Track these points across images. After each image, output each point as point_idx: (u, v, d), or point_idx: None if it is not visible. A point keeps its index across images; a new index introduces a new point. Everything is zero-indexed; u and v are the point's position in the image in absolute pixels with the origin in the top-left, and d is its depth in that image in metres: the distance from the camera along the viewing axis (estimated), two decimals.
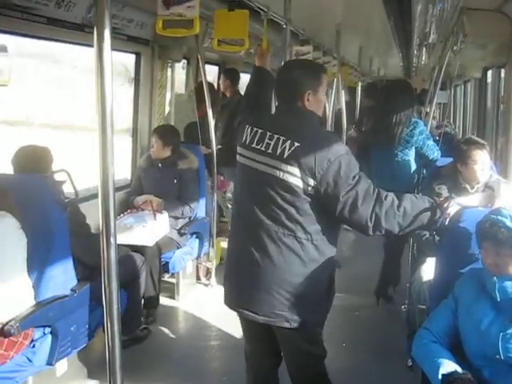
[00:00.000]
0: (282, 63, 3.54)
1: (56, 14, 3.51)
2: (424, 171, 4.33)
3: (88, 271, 3.16)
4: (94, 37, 1.41)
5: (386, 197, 2.21)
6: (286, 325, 2.31)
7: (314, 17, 5.26)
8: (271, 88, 2.59)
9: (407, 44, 7.57)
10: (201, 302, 4.50)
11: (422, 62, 9.97)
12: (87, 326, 3.03)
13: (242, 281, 2.36)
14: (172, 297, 4.51)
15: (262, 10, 3.64)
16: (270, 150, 2.23)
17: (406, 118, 4.26)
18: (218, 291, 4.64)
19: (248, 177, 2.35)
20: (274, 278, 2.26)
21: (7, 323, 2.57)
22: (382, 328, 4.13)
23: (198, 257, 4.73)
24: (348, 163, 2.19)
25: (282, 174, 2.19)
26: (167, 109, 5.36)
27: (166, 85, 5.18)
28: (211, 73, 6.57)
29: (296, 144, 2.18)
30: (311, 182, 2.17)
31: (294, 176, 2.18)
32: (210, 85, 5.27)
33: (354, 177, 2.19)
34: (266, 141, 2.24)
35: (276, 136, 2.23)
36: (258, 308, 2.32)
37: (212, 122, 4.79)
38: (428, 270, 3.17)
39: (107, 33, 1.41)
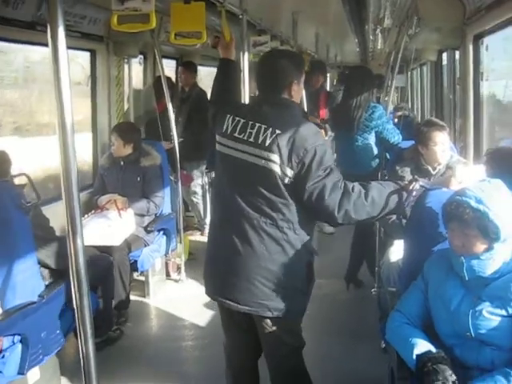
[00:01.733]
0: (242, 54, 3.53)
1: (4, 12, 3.40)
2: (387, 155, 4.38)
3: (55, 275, 3.10)
4: (48, 35, 1.37)
5: (353, 188, 2.24)
6: (268, 314, 2.33)
7: (270, 6, 5.26)
8: (239, 78, 2.64)
9: (363, 30, 7.65)
10: (172, 299, 4.48)
11: (378, 47, 10.09)
12: (58, 332, 2.98)
13: (223, 270, 2.37)
14: (143, 295, 4.47)
15: (217, 1, 3.60)
16: (251, 139, 2.24)
17: (364, 103, 4.30)
18: (188, 286, 4.65)
19: (229, 165, 2.36)
20: (256, 266, 2.28)
21: None
22: (354, 312, 4.18)
23: (167, 253, 4.69)
24: (323, 154, 2.21)
25: (263, 161, 2.21)
26: (126, 105, 5.28)
27: (123, 81, 5.11)
28: (169, 67, 6.51)
29: (277, 131, 2.20)
30: (288, 170, 2.20)
31: (274, 163, 2.20)
32: (169, 79, 5.21)
33: (326, 169, 2.21)
34: (248, 130, 2.25)
35: (258, 125, 2.24)
36: (239, 297, 2.33)
37: (172, 117, 4.74)
38: (396, 252, 3.22)
39: (61, 31, 1.38)
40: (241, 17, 3.65)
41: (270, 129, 2.22)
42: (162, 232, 4.49)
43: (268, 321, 2.36)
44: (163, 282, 4.72)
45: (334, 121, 4.73)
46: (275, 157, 2.19)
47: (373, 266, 4.55)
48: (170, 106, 4.64)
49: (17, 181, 3.10)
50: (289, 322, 2.40)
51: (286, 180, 2.21)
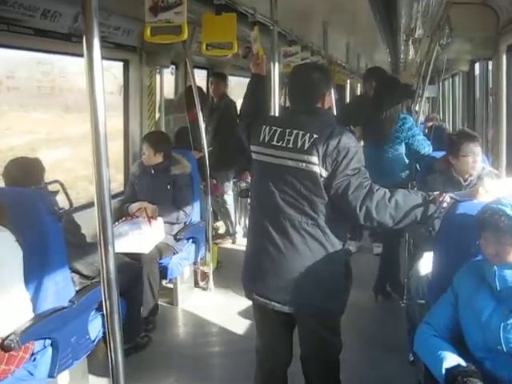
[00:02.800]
0: (272, 65, 3.55)
1: (42, 24, 3.50)
2: (417, 166, 4.34)
3: (85, 281, 3.15)
4: (84, 46, 1.40)
5: (377, 189, 2.33)
6: (311, 313, 2.43)
7: (301, 16, 5.28)
8: (268, 92, 2.84)
9: (394, 40, 7.61)
10: (200, 307, 4.49)
11: (410, 57, 10.00)
12: (88, 337, 3.02)
13: (266, 271, 2.45)
14: (171, 303, 4.50)
15: (248, 12, 3.64)
16: (290, 145, 2.38)
17: (394, 114, 4.27)
18: (216, 295, 4.66)
19: (269, 172, 2.46)
20: (299, 266, 2.38)
21: (7, 337, 2.56)
22: (382, 324, 4.14)
23: (195, 261, 4.72)
24: (353, 156, 2.33)
25: (303, 164, 2.34)
26: (157, 115, 5.35)
27: (155, 91, 5.18)
28: (200, 77, 6.58)
29: (314, 136, 2.34)
30: (324, 171, 2.33)
31: (314, 165, 2.32)
32: (200, 89, 5.26)
33: (355, 169, 2.33)
34: (286, 137, 2.39)
35: (295, 131, 2.38)
36: (282, 297, 2.41)
37: (203, 126, 4.79)
38: (425, 264, 3.18)
39: (96, 42, 1.41)
40: (271, 28, 3.68)
41: (308, 134, 2.35)
42: (191, 240, 4.52)
43: (311, 320, 2.46)
44: (191, 289, 4.75)
45: (364, 132, 4.70)
46: (314, 158, 2.32)
47: (396, 280, 4.51)
48: (200, 116, 4.69)
49: (50, 188, 3.17)
50: (331, 321, 2.51)
51: (323, 180, 2.33)
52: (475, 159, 3.34)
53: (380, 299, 4.54)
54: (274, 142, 2.42)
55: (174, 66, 5.74)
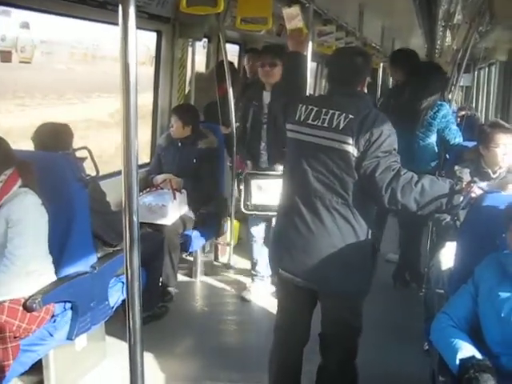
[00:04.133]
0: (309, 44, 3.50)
1: None
2: (447, 155, 4.27)
3: (107, 248, 3.20)
4: (119, 15, 1.39)
5: (405, 173, 2.34)
6: (336, 291, 2.47)
7: None
8: (306, 70, 2.90)
9: (431, 25, 7.45)
10: (218, 281, 4.53)
11: (446, 44, 9.80)
12: (107, 303, 3.08)
13: (294, 247, 2.49)
14: (190, 275, 4.55)
15: None
16: (325, 124, 2.41)
17: (431, 100, 4.20)
18: (235, 270, 4.67)
19: (303, 150, 2.50)
20: (327, 244, 2.42)
21: (30, 298, 2.62)
22: (399, 311, 4.12)
23: (217, 236, 4.75)
24: (386, 138, 2.35)
25: (337, 144, 2.37)
26: (187, 88, 5.34)
27: (186, 64, 5.16)
28: (231, 52, 6.52)
29: (350, 116, 2.37)
30: (356, 151, 2.35)
31: (348, 144, 2.35)
32: (231, 64, 5.23)
33: (385, 151, 2.34)
34: (322, 116, 2.42)
35: (331, 111, 2.41)
36: (308, 273, 2.46)
37: (232, 102, 4.76)
38: (447, 254, 3.15)
39: (132, 10, 1.39)
40: (307, 5, 3.63)
41: (344, 114, 2.38)
42: (213, 214, 4.55)
43: (335, 298, 2.50)
44: (211, 264, 4.79)
45: (396, 116, 4.61)
46: (349, 138, 2.35)
47: (416, 268, 4.48)
48: (230, 91, 4.66)
49: (78, 154, 3.20)
50: (354, 300, 2.54)
51: (354, 160, 2.35)
52: (506, 151, 3.27)
53: (398, 286, 4.52)
54: (310, 121, 2.46)
55: (206, 40, 5.71)
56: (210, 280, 4.53)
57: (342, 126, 2.37)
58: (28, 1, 3.21)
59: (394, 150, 2.39)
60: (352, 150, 2.35)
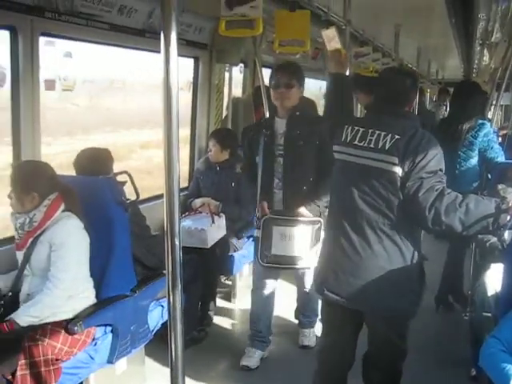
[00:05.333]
0: None
1: (118, 20, 3.61)
2: (488, 175, 4.18)
3: (147, 272, 3.21)
4: (162, 42, 1.42)
5: (449, 193, 2.30)
6: (382, 313, 2.46)
7: (373, 18, 5.20)
8: (351, 91, 2.91)
9: (468, 44, 7.36)
10: None
11: (484, 63, 9.67)
12: (146, 326, 3.09)
13: (340, 268, 2.49)
14: (228, 299, 4.53)
15: (322, 10, 3.61)
16: (372, 145, 2.42)
17: (472, 118, 4.14)
18: None
19: (350, 171, 2.51)
20: (374, 266, 2.41)
21: (71, 321, 2.65)
22: (442, 336, 4.02)
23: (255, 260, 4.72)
24: (431, 159, 2.33)
25: (384, 164, 2.37)
26: (225, 112, 5.39)
27: (223, 88, 5.22)
28: (268, 76, 6.56)
29: (397, 137, 2.37)
30: (401, 171, 2.34)
31: (394, 165, 2.35)
32: (268, 88, 5.26)
33: (430, 172, 2.32)
34: (369, 137, 2.44)
35: (377, 132, 2.42)
36: (354, 295, 2.44)
37: None
38: (492, 276, 3.06)
39: (174, 37, 1.42)
40: (344, 27, 3.64)
41: (390, 135, 2.38)
42: (251, 238, 4.52)
43: (381, 320, 2.49)
44: (249, 288, 4.75)
45: (437, 136, 4.56)
46: (395, 159, 2.35)
47: (460, 291, 4.38)
48: (267, 115, 4.68)
49: (118, 178, 3.25)
50: (400, 323, 2.54)
51: (400, 180, 2.34)
52: None
53: (441, 310, 4.41)
54: (356, 142, 2.47)
55: (242, 65, 5.78)
56: (248, 305, 4.49)
57: (388, 146, 2.37)
58: (71, 31, 3.31)
59: (441, 170, 2.37)
60: (398, 170, 2.34)
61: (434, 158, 2.34)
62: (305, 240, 3.35)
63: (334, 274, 2.52)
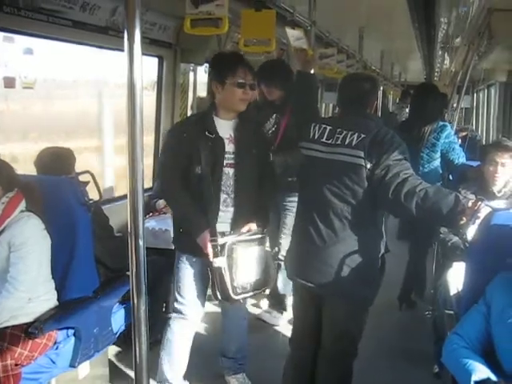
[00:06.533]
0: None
1: (81, 17, 3.54)
2: (450, 176, 4.27)
3: (110, 274, 3.16)
4: (125, 40, 1.40)
5: (412, 179, 2.44)
6: (341, 296, 2.58)
7: (338, 19, 5.24)
8: (317, 91, 3.05)
9: (430, 48, 7.52)
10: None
11: (445, 66, 9.88)
12: (110, 329, 3.04)
13: (307, 254, 2.65)
14: None
15: (287, 11, 3.62)
16: (339, 142, 2.57)
17: (432, 120, 4.23)
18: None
19: (318, 166, 2.66)
20: (337, 252, 2.56)
21: (31, 324, 2.59)
22: (405, 334, 4.08)
23: None
24: (396, 147, 2.51)
25: (350, 158, 2.52)
26: (189, 112, 5.36)
27: (188, 88, 5.19)
28: None
29: (362, 135, 2.53)
30: (368, 163, 2.49)
31: (359, 158, 2.50)
32: None
33: (396, 160, 2.48)
34: (336, 135, 2.59)
35: (345, 131, 2.58)
36: (318, 279, 2.60)
37: None
38: (454, 275, 3.12)
39: (138, 35, 1.41)
40: (309, 28, 3.66)
41: (356, 133, 2.54)
42: None
43: (341, 306, 2.60)
44: None
45: (400, 137, 4.64)
46: (360, 153, 2.50)
47: (422, 288, 4.45)
48: None
49: (80, 178, 3.19)
50: (358, 310, 2.65)
51: (367, 171, 2.49)
52: (500, 169, 3.28)
53: (404, 308, 4.48)
54: (324, 139, 2.63)
55: (207, 64, 5.75)
56: (217, 306, 4.46)
57: (354, 143, 2.53)
58: (32, 27, 3.23)
59: (405, 159, 2.52)
60: (364, 162, 2.49)
61: (399, 149, 2.50)
62: (256, 260, 2.95)
63: (301, 260, 2.69)
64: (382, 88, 9.81)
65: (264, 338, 3.97)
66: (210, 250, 2.76)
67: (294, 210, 3.66)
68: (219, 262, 2.77)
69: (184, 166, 2.82)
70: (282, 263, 3.79)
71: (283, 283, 4.04)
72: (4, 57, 3.05)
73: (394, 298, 4.50)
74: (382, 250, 2.64)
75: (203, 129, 2.83)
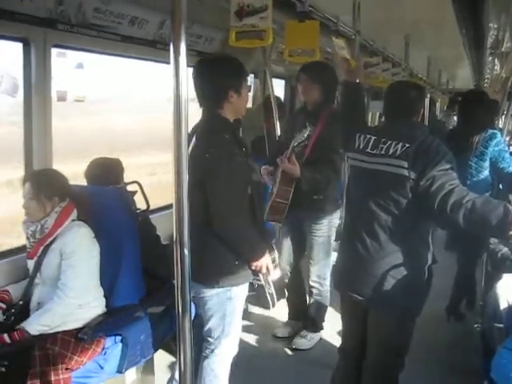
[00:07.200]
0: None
1: (129, 31, 3.64)
2: (500, 185, 4.16)
3: (156, 282, 3.21)
4: (171, 53, 1.44)
5: (459, 189, 2.37)
6: (390, 312, 2.55)
7: (383, 28, 5.20)
8: (363, 99, 3.03)
9: (479, 54, 7.35)
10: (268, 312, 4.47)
11: (495, 72, 9.65)
12: (155, 336, 3.08)
13: (353, 265, 2.64)
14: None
15: (331, 21, 3.62)
16: (383, 152, 2.55)
17: (481, 128, 4.13)
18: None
19: (362, 176, 2.66)
20: (383, 263, 2.52)
21: (81, 330, 2.66)
22: (453, 347, 3.98)
23: None
24: (442, 158, 2.44)
25: (394, 168, 2.49)
26: None
27: None
28: (278, 87, 6.60)
29: (406, 145, 2.49)
30: (413, 173, 2.44)
31: (403, 168, 2.46)
32: (278, 98, 5.29)
33: (441, 170, 2.41)
34: (380, 145, 2.57)
35: (389, 142, 2.55)
36: (364, 291, 2.58)
37: (278, 135, 4.79)
38: (504, 286, 3.04)
39: (183, 48, 1.44)
40: (353, 37, 3.65)
41: (400, 143, 2.51)
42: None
43: (385, 315, 2.57)
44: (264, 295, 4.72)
45: (448, 146, 4.56)
46: (404, 163, 2.46)
47: (472, 300, 4.35)
48: (277, 125, 4.70)
49: (129, 188, 3.27)
50: (404, 320, 2.60)
51: (411, 182, 2.44)
52: None
53: (452, 320, 4.38)
54: (369, 150, 2.61)
55: (252, 75, 5.81)
56: (260, 311, 4.46)
57: (398, 153, 2.50)
58: (83, 42, 3.35)
59: (452, 169, 2.45)
60: (408, 173, 2.45)
61: (445, 158, 2.44)
62: None
63: (348, 273, 2.68)
64: (429, 96, 9.71)
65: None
66: (271, 266, 2.84)
67: (321, 233, 3.76)
68: (277, 273, 2.96)
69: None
70: (313, 289, 3.92)
71: (315, 307, 3.99)
72: (57, 71, 3.17)
73: (442, 309, 4.40)
74: (429, 261, 2.58)
75: (241, 146, 2.73)
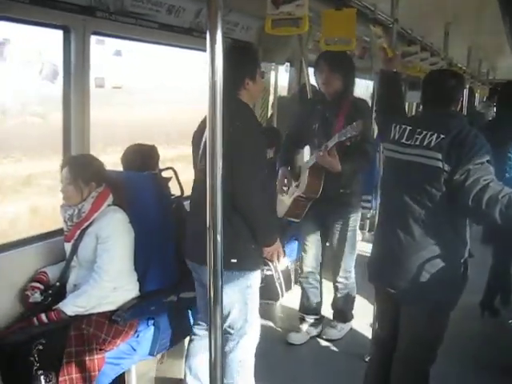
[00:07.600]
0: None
1: (167, 19, 3.67)
2: None
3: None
4: (207, 40, 1.44)
5: (494, 184, 2.30)
6: (424, 305, 2.51)
7: (422, 16, 5.09)
8: (401, 89, 2.98)
9: None
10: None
11: None
12: (187, 321, 3.12)
13: (388, 259, 2.62)
14: (270, 298, 4.51)
15: (368, 9, 3.57)
16: (417, 143, 2.50)
17: None
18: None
19: (397, 167, 2.63)
20: (417, 256, 2.49)
21: (115, 312, 2.72)
22: (487, 342, 3.92)
23: (297, 259, 4.71)
24: (478, 151, 2.36)
25: (427, 160, 2.44)
26: (270, 111, 5.40)
27: (269, 88, 5.23)
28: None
29: (441, 136, 2.43)
30: (446, 166, 2.39)
31: (437, 160, 2.40)
32: (313, 87, 5.25)
33: (477, 163, 2.34)
34: (415, 136, 2.52)
35: (424, 132, 2.49)
36: (399, 285, 2.55)
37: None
38: None
39: (219, 36, 1.44)
40: (391, 26, 3.60)
41: (436, 134, 2.45)
42: (293, 237, 4.53)
43: (418, 308, 2.54)
44: (291, 286, 4.75)
45: (486, 138, 4.46)
46: (438, 155, 2.40)
47: (507, 295, 4.27)
48: None
49: (164, 174, 3.30)
50: (437, 313, 2.55)
51: (445, 175, 2.39)
52: None
53: (486, 315, 4.32)
54: (404, 140, 2.57)
55: (288, 64, 5.78)
56: (290, 303, 4.47)
57: (432, 144, 2.44)
58: (121, 30, 3.39)
59: (488, 162, 2.38)
60: (442, 165, 2.39)
61: (481, 151, 2.37)
62: None
63: (382, 266, 2.66)
64: (468, 86, 9.49)
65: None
66: (282, 253, 2.89)
67: (348, 228, 3.74)
68: (285, 262, 2.89)
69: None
70: (339, 284, 3.92)
71: (342, 300, 3.98)
72: (96, 59, 3.22)
73: (476, 304, 4.34)
74: (465, 255, 2.54)
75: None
